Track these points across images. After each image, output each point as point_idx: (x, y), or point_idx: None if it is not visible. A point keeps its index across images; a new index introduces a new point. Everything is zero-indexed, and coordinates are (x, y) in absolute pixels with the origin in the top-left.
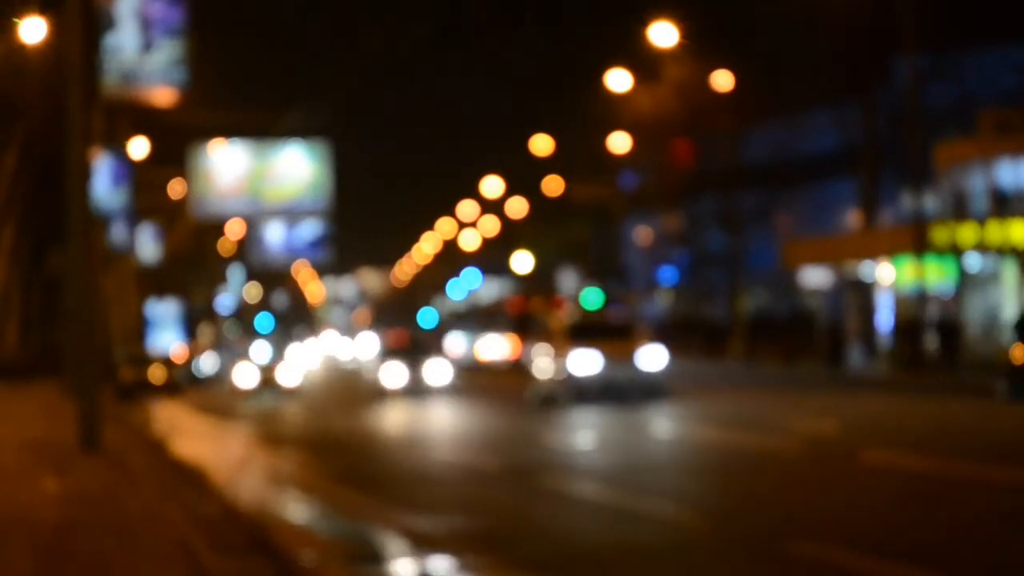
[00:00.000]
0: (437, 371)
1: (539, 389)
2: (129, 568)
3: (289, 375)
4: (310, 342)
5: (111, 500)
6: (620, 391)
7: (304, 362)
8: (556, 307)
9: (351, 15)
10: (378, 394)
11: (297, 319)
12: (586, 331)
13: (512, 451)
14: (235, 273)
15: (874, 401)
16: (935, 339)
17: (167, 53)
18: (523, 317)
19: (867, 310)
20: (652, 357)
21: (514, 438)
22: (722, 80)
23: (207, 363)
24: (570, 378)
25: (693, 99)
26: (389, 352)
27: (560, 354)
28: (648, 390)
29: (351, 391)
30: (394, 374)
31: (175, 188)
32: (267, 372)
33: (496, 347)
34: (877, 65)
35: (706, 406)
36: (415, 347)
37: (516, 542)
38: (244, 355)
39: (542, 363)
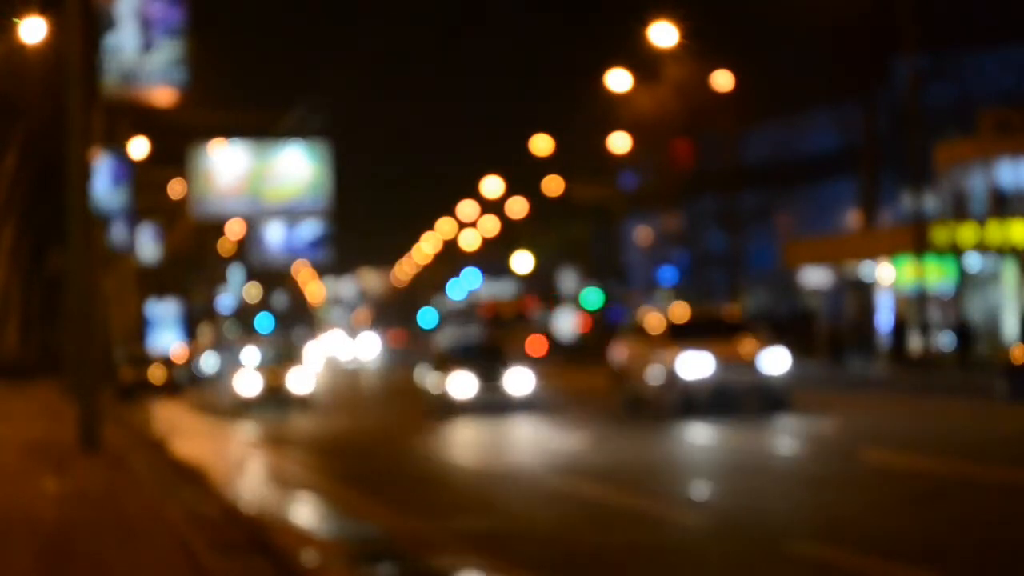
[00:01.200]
0: (518, 379)
1: (634, 395)
2: (129, 568)
3: (301, 380)
4: (311, 343)
5: (111, 500)
6: (735, 400)
7: (314, 364)
8: (524, 309)
9: (351, 15)
10: (443, 409)
11: (297, 319)
12: (692, 330)
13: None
14: (235, 273)
15: (874, 401)
16: (950, 339)
17: (167, 53)
18: (493, 318)
19: (867, 310)
20: (774, 360)
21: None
22: (722, 80)
23: (207, 363)
24: (676, 384)
25: (693, 99)
26: (455, 355)
27: (660, 357)
28: (768, 399)
29: (377, 400)
30: (463, 383)
31: (175, 188)
32: (273, 377)
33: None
34: (877, 65)
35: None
36: (489, 351)
37: None
38: (242, 356)
39: (641, 367)
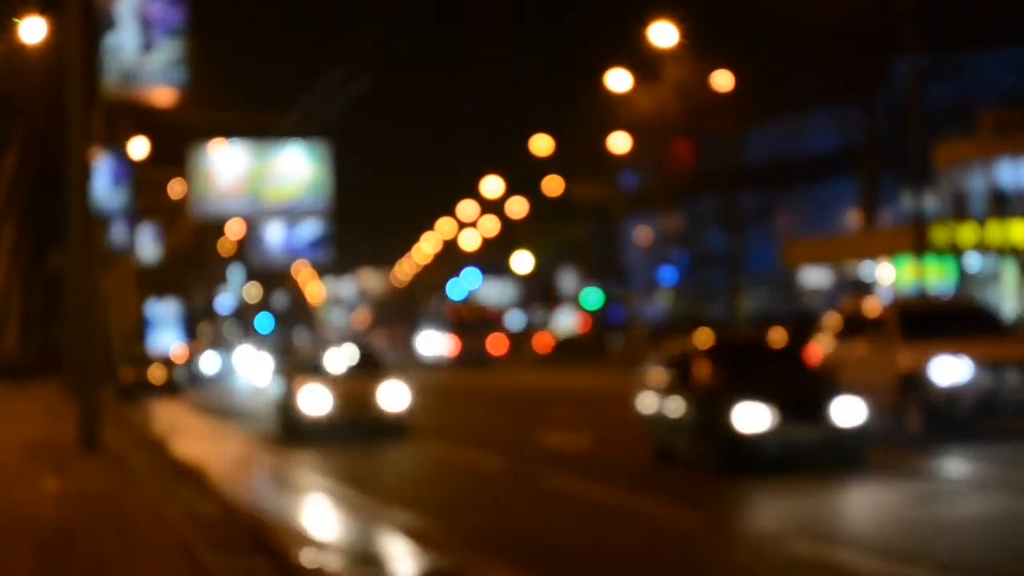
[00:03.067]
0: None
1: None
2: (129, 568)
3: (394, 393)
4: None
5: (111, 500)
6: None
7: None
8: (486, 311)
9: (352, 15)
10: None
11: (297, 319)
12: (933, 324)
13: None
14: (235, 273)
15: None
16: None
17: (167, 53)
18: (460, 320)
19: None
20: None
21: None
22: (722, 80)
23: (207, 363)
24: (926, 390)
25: (693, 99)
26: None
27: (893, 359)
28: None
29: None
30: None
31: (175, 188)
32: (353, 389)
33: (437, 344)
34: (877, 65)
35: None
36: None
37: None
38: (310, 360)
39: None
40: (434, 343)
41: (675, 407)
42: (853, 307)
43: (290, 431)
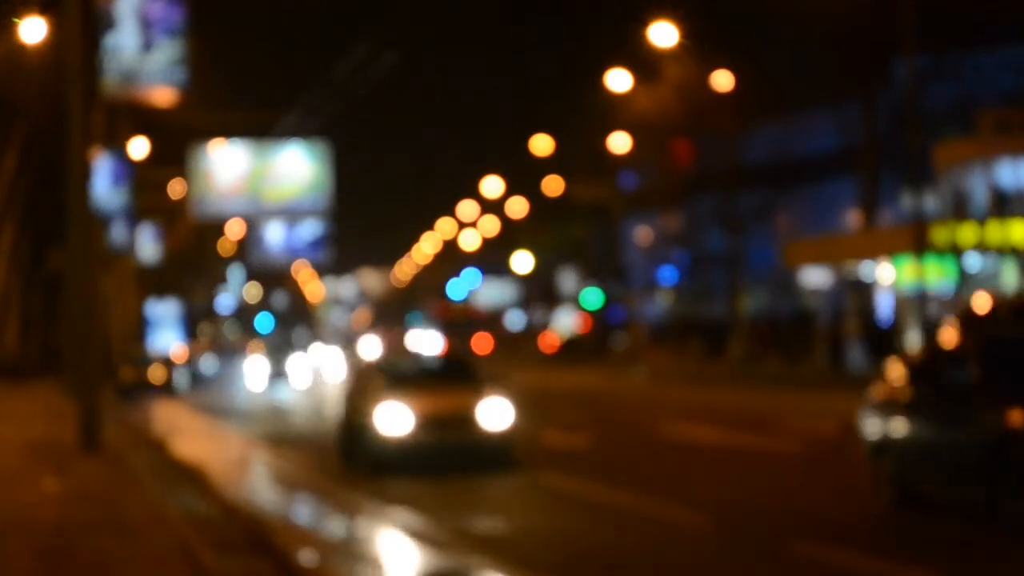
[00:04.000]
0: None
1: None
2: (129, 568)
3: (497, 409)
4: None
5: (111, 500)
6: None
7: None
8: (471, 311)
9: (351, 15)
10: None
11: (297, 319)
12: None
13: None
14: (235, 273)
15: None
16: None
17: (167, 53)
18: (447, 320)
19: (867, 310)
20: None
21: None
22: (722, 80)
23: (207, 364)
24: None
25: (693, 99)
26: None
27: None
28: None
29: None
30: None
31: (175, 188)
32: (445, 404)
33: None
34: (877, 65)
35: None
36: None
37: None
38: (386, 370)
39: None
40: (425, 342)
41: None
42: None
43: (361, 458)
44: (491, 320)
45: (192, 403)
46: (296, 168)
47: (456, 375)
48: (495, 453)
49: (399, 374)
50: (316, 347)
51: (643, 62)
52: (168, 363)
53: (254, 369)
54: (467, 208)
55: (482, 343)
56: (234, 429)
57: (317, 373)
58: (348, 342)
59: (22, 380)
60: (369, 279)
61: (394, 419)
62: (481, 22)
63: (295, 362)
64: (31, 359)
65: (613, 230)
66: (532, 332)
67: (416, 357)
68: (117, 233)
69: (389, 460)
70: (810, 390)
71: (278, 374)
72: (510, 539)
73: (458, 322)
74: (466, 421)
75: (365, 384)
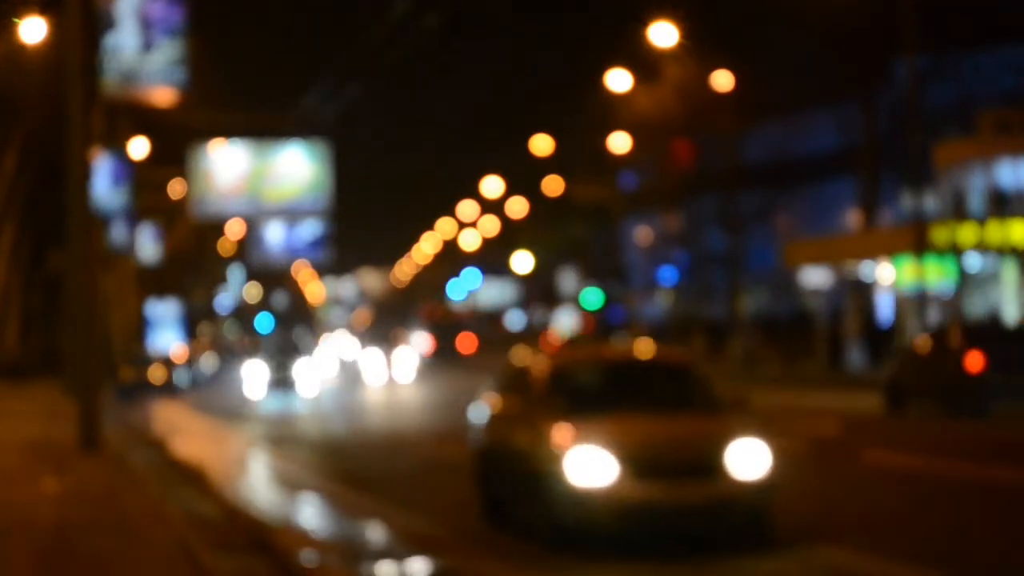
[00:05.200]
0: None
1: None
2: (129, 568)
3: (748, 451)
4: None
5: (111, 500)
6: None
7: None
8: (451, 313)
9: (351, 15)
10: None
11: (297, 319)
12: None
13: None
14: (235, 273)
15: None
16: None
17: (167, 53)
18: (433, 321)
19: (867, 310)
20: None
21: None
22: (722, 80)
23: (207, 364)
24: None
25: (693, 99)
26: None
27: None
28: None
29: None
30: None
31: (175, 188)
32: (672, 441)
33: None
34: (877, 65)
35: None
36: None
37: None
38: (567, 386)
39: None
40: (414, 342)
41: None
42: None
43: (536, 519)
44: (488, 320)
45: (192, 403)
46: (296, 168)
47: (678, 392)
48: (747, 517)
49: (585, 388)
50: (322, 349)
51: (643, 62)
52: (168, 363)
53: (253, 374)
54: (467, 208)
55: (466, 343)
56: (240, 432)
57: (328, 378)
58: (388, 341)
59: (22, 380)
60: (369, 279)
61: (593, 462)
62: (481, 22)
63: (301, 367)
64: (31, 359)
65: (613, 230)
66: (532, 332)
67: (611, 358)
68: (117, 233)
69: (584, 525)
70: (810, 390)
71: (281, 381)
72: None
73: (443, 323)
74: (706, 468)
75: (529, 403)
